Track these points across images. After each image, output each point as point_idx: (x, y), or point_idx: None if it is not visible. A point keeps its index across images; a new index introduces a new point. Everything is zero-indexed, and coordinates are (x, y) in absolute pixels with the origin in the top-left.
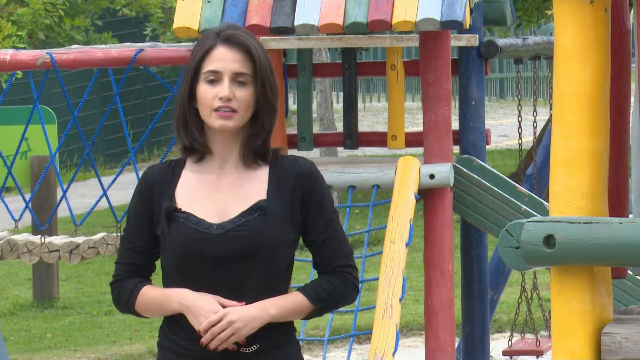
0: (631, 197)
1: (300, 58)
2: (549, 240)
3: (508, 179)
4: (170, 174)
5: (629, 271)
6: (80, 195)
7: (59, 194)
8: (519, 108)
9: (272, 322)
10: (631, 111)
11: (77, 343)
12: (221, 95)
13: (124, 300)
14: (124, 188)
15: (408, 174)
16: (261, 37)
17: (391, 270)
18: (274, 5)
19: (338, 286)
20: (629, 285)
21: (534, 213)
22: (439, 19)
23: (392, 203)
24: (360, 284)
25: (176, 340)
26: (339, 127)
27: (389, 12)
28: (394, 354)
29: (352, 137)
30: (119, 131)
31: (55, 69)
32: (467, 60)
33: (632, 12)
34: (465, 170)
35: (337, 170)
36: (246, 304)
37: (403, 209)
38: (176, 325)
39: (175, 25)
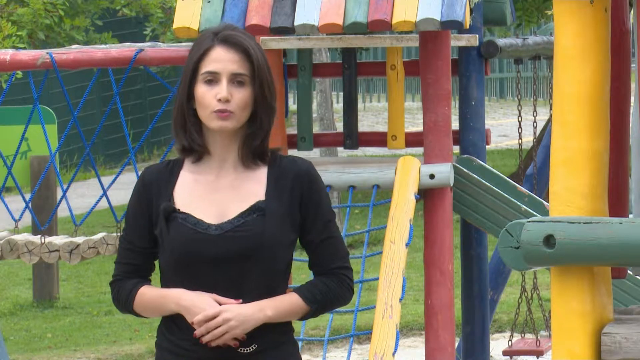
0: (631, 197)
1: (300, 58)
2: (549, 240)
3: (508, 179)
4: (168, 174)
5: (629, 271)
6: (80, 195)
7: (59, 194)
8: (519, 108)
9: (269, 323)
10: (631, 111)
11: (77, 343)
12: (219, 96)
13: (123, 300)
14: (124, 188)
15: (408, 174)
16: (261, 37)
17: (391, 270)
18: (274, 5)
19: (333, 288)
20: (629, 285)
21: (534, 213)
22: (439, 19)
23: (392, 203)
24: (360, 284)
25: (174, 341)
26: (339, 127)
27: (389, 12)
28: (394, 354)
29: (352, 137)
30: (119, 131)
31: (55, 69)
32: (467, 60)
33: (632, 12)
34: (465, 170)
35: (337, 170)
36: (243, 303)
37: (403, 209)
38: (174, 326)
39: (175, 25)
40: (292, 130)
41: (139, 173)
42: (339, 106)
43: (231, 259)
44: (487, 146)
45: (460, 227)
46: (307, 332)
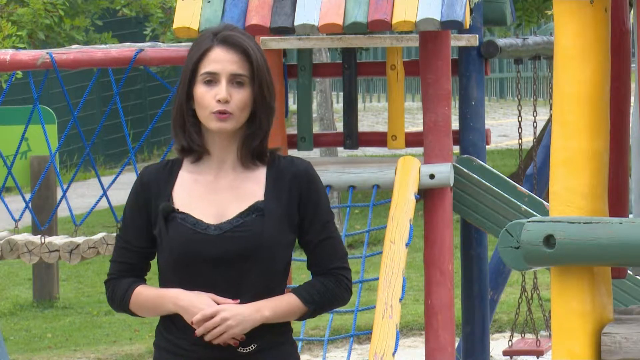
0: (631, 197)
1: (300, 58)
2: (549, 240)
3: (508, 179)
4: (167, 174)
5: (629, 271)
6: (80, 195)
7: (59, 194)
8: (519, 108)
9: (268, 323)
10: (631, 111)
11: (77, 343)
12: (219, 97)
13: (118, 299)
14: (124, 188)
15: (408, 174)
16: (261, 37)
17: (391, 270)
18: (274, 5)
19: (331, 288)
20: (629, 285)
21: (534, 213)
22: (439, 19)
23: (392, 203)
24: (360, 284)
25: (172, 340)
26: (339, 127)
27: (389, 12)
28: (394, 354)
29: (352, 137)
30: (119, 131)
31: (55, 69)
32: (467, 60)
33: (632, 12)
34: (465, 170)
35: (337, 170)
36: (241, 303)
37: (403, 209)
38: (172, 325)
39: (175, 25)
40: (292, 130)
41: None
42: (339, 106)
43: (230, 259)
44: (487, 146)
45: (460, 227)
46: (307, 332)
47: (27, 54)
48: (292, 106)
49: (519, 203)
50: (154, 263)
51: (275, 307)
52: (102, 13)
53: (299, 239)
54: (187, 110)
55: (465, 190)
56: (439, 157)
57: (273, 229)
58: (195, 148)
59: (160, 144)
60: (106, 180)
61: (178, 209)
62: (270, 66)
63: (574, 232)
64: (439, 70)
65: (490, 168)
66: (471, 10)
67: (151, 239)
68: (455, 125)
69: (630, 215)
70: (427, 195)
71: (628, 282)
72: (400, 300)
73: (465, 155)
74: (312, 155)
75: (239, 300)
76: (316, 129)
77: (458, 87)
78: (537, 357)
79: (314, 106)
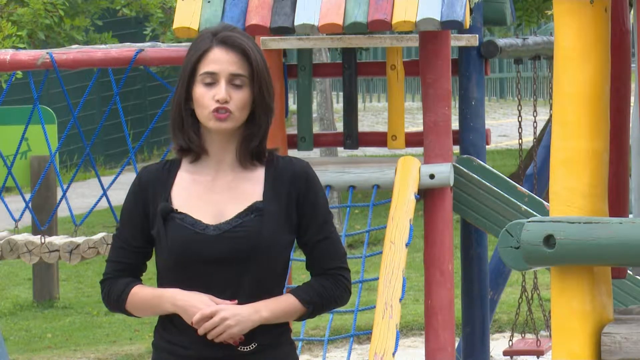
0: (631, 197)
1: (300, 58)
2: (549, 240)
3: (508, 179)
4: (166, 175)
5: (629, 271)
6: (80, 195)
7: (59, 194)
8: (519, 108)
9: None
10: (631, 111)
11: (77, 343)
12: (218, 97)
13: (114, 298)
14: (124, 188)
15: (408, 174)
16: (261, 37)
17: (391, 270)
18: (274, 5)
19: (330, 289)
20: (629, 285)
21: (534, 213)
22: (439, 19)
23: (392, 203)
24: (360, 284)
25: (171, 340)
26: (339, 127)
27: (389, 12)
28: (394, 354)
29: (352, 137)
30: (119, 131)
31: (55, 69)
32: (467, 60)
33: (632, 12)
34: (465, 170)
35: (337, 170)
36: (239, 304)
37: (403, 209)
38: (171, 325)
39: (175, 25)
40: (292, 130)
41: None
42: (339, 106)
43: (229, 260)
44: (487, 146)
45: (460, 227)
46: (307, 332)
47: (27, 54)
48: (292, 106)
49: (519, 203)
50: (151, 263)
51: (274, 308)
52: (102, 13)
53: (298, 239)
54: (186, 111)
55: (465, 190)
56: (439, 157)
57: (272, 229)
58: (193, 148)
59: (160, 144)
60: (106, 180)
61: (177, 209)
62: (270, 66)
63: (574, 232)
64: (439, 70)
65: (490, 168)
66: (471, 10)
67: (149, 239)
68: (455, 125)
69: (630, 215)
70: (427, 195)
71: (628, 282)
72: (400, 300)
73: (465, 155)
74: (312, 155)
75: (236, 301)
76: (316, 129)
77: (458, 87)
78: (537, 357)
79: (314, 106)
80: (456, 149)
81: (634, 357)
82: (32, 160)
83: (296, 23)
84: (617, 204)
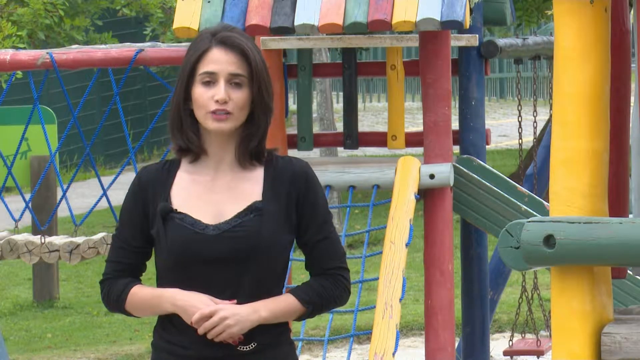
0: (631, 197)
1: (300, 58)
2: (549, 240)
3: (508, 179)
4: (165, 175)
5: (629, 271)
6: (80, 195)
7: (59, 194)
8: (519, 108)
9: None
10: (631, 111)
11: (77, 343)
12: (217, 97)
13: (114, 298)
14: (124, 188)
15: (408, 174)
16: (261, 37)
17: (391, 270)
18: (274, 5)
19: (329, 288)
20: (629, 285)
21: (534, 213)
22: (439, 19)
23: (392, 203)
24: (360, 284)
25: (171, 340)
26: (339, 127)
27: (389, 12)
28: (394, 354)
29: (352, 137)
30: (119, 131)
31: (55, 69)
32: (467, 60)
33: (632, 12)
34: (465, 170)
35: (337, 170)
36: (238, 303)
37: (403, 209)
38: (170, 325)
39: (175, 25)
40: (292, 130)
41: None
42: (339, 106)
43: (228, 259)
44: (487, 146)
45: (460, 227)
46: (307, 332)
47: (27, 54)
48: (292, 106)
49: (519, 203)
50: (151, 263)
51: (273, 308)
52: (102, 13)
53: (297, 239)
54: (185, 111)
55: (465, 190)
56: (439, 157)
57: (271, 229)
58: (192, 148)
59: (160, 144)
60: (106, 180)
61: (176, 209)
62: (270, 66)
63: (574, 232)
64: (439, 70)
65: (490, 168)
66: (471, 10)
67: (148, 238)
68: (455, 125)
69: (630, 215)
70: (427, 195)
71: (628, 282)
72: (400, 300)
73: (465, 155)
74: (312, 155)
75: (235, 301)
76: (316, 129)
77: (458, 87)
78: (537, 357)
79: (314, 106)
80: (456, 149)
81: (634, 357)
82: (32, 160)
83: (296, 23)
84: (617, 204)
